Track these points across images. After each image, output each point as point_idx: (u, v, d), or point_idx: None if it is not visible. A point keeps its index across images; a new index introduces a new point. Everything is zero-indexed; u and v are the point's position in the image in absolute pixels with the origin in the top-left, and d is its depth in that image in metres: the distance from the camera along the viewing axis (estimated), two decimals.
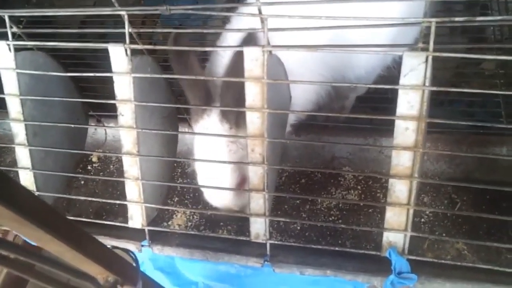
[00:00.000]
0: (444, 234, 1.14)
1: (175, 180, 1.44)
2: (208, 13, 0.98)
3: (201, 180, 1.21)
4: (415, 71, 0.89)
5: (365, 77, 1.39)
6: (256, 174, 1.08)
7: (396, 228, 1.00)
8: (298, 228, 1.22)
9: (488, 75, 1.71)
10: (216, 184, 1.16)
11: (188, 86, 1.17)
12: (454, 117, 1.43)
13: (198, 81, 1.14)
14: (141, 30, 1.15)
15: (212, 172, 1.18)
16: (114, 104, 1.14)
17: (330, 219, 1.23)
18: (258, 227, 1.12)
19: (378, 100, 1.45)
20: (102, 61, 1.37)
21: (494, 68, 1.63)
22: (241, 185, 1.18)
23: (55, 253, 0.70)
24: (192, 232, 1.23)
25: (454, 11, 1.91)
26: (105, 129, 1.54)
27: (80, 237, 0.75)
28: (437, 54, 0.86)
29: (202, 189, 1.22)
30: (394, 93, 0.93)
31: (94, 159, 1.59)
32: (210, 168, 1.18)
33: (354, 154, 1.30)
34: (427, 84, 0.89)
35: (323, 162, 1.34)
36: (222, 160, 1.14)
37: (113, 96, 1.13)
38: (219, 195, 1.20)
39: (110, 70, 1.12)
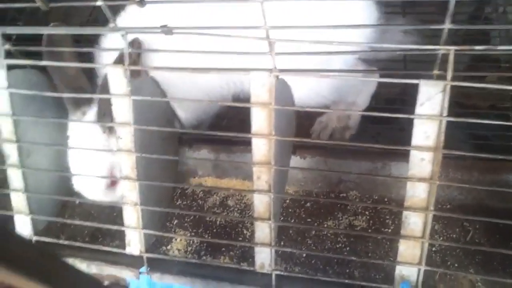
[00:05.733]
0: (456, 265, 1.10)
1: (174, 201, 1.39)
2: (210, 34, 0.93)
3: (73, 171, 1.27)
4: (432, 101, 0.85)
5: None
6: (261, 203, 1.03)
7: (410, 261, 0.96)
8: (304, 255, 1.17)
9: (490, 92, 1.67)
10: (87, 178, 1.23)
11: (61, 84, 1.22)
12: (460, 138, 1.39)
13: (71, 81, 1.21)
14: (141, 50, 1.10)
15: (84, 166, 1.24)
16: None
17: (337, 246, 1.18)
18: (263, 257, 1.07)
19: (379, 118, 1.41)
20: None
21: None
22: (112, 184, 1.24)
23: None
24: (194, 260, 1.17)
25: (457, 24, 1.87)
26: None
27: (77, 281, 0.70)
28: (456, 83, 0.82)
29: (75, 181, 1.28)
30: (400, 111, 0.91)
31: None
32: (83, 162, 1.24)
33: (362, 178, 1.25)
34: (444, 114, 0.85)
35: (329, 185, 1.29)
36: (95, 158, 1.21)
37: None
38: (91, 190, 1.26)
39: None
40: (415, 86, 0.87)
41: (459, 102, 1.54)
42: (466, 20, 1.85)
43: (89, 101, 1.27)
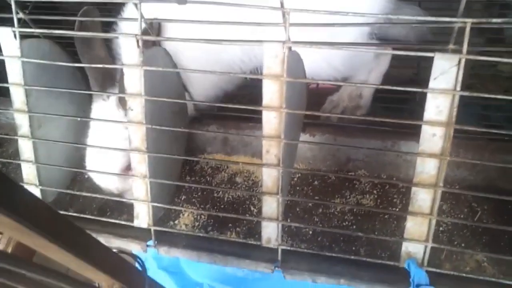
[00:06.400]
0: (463, 244, 1.10)
1: (183, 177, 1.39)
2: (224, 4, 0.92)
3: (88, 160, 1.29)
4: (446, 74, 0.84)
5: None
6: (270, 177, 1.03)
7: (416, 238, 0.96)
8: (310, 232, 1.18)
9: (505, 77, 1.66)
10: (103, 166, 1.24)
11: (90, 69, 1.23)
12: (468, 120, 1.39)
13: (96, 62, 1.21)
14: (154, 20, 1.09)
15: (100, 155, 1.25)
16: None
17: (344, 224, 1.18)
18: (270, 232, 1.07)
19: (390, 100, 1.40)
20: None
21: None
22: (126, 171, 1.23)
23: (60, 261, 0.65)
24: (200, 234, 1.18)
25: (472, 10, 1.84)
26: None
27: (87, 244, 0.71)
28: (471, 57, 0.81)
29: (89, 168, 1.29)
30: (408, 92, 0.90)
31: None
32: (99, 150, 1.24)
33: (371, 157, 1.25)
34: (458, 88, 0.84)
35: (337, 164, 1.29)
36: (113, 144, 1.19)
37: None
38: (104, 177, 1.28)
39: None
40: (429, 68, 0.86)
41: (472, 86, 1.53)
42: (482, 9, 1.82)
43: (113, 84, 1.27)
